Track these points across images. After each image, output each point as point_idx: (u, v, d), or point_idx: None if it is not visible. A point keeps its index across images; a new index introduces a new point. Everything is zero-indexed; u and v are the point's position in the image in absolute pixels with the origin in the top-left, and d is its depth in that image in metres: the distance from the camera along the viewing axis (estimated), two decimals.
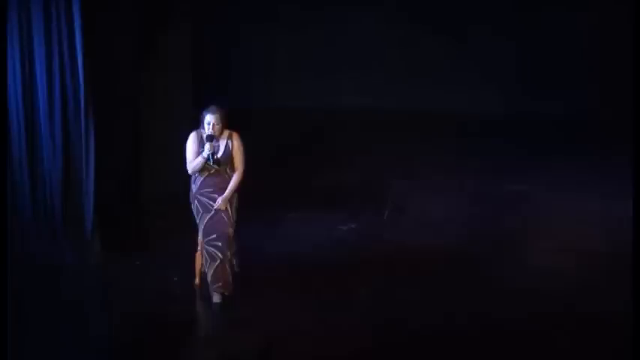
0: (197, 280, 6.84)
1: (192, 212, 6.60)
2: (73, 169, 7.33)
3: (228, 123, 6.46)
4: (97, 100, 7.20)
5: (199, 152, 6.40)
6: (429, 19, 13.09)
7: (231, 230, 6.48)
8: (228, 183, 6.46)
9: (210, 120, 6.36)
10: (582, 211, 8.69)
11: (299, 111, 12.47)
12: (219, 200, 6.44)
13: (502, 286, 6.92)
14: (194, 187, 6.53)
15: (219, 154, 6.41)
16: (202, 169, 6.43)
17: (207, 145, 6.35)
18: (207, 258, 6.50)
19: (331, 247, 7.79)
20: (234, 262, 6.65)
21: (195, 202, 6.53)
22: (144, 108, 7.94)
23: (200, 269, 6.76)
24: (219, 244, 6.45)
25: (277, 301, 6.60)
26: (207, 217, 6.48)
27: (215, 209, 6.45)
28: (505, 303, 6.58)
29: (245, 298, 6.58)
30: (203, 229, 6.53)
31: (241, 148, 6.48)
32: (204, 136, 6.37)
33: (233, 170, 6.48)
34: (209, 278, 6.52)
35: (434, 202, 9.04)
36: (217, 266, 6.45)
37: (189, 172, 6.49)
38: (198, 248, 6.71)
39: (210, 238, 6.48)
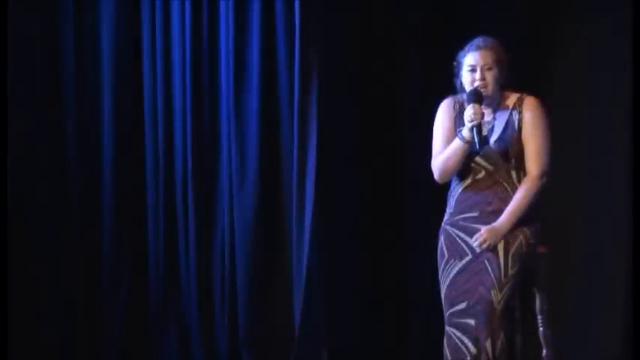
0: None
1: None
2: None
3: (513, 78, 3.37)
4: None
5: (455, 133, 3.27)
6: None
7: (498, 296, 3.29)
8: (509, 198, 3.32)
9: (475, 62, 3.32)
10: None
11: None
12: (483, 231, 3.28)
13: None
14: (447, 210, 3.43)
15: (492, 137, 3.30)
16: (464, 168, 3.29)
17: (468, 110, 3.30)
18: (448, 351, 3.28)
19: None
20: None
21: (442, 238, 3.39)
22: None
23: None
24: (472, 322, 3.24)
25: None
26: (457, 269, 3.30)
27: (475, 252, 3.27)
28: None
29: None
30: (446, 292, 3.35)
31: (542, 128, 3.36)
32: (465, 96, 3.31)
33: (523, 171, 3.36)
34: None
35: None
36: None
37: (436, 176, 3.37)
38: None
39: (455, 309, 3.29)
